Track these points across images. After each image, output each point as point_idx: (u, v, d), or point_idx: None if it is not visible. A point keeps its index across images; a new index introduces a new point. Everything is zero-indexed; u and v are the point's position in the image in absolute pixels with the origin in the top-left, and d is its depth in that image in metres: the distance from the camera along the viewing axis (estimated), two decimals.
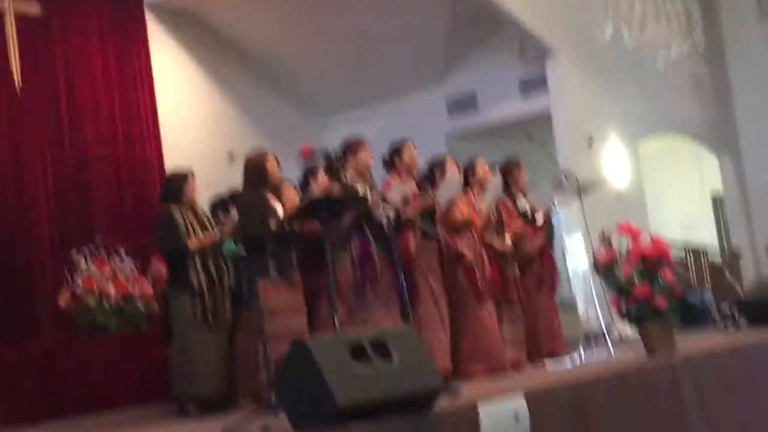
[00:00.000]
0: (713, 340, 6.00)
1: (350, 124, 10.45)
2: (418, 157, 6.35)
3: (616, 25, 12.30)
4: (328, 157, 5.84)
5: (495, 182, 6.90)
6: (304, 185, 6.44)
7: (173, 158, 8.96)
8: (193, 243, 6.12)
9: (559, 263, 7.37)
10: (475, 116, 11.36)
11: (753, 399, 5.15)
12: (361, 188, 5.71)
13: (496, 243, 6.72)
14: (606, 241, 5.62)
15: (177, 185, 6.30)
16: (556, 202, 6.80)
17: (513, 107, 11.02)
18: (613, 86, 11.60)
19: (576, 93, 10.74)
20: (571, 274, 7.31)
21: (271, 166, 5.83)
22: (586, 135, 10.80)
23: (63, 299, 7.56)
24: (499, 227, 6.89)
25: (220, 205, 7.16)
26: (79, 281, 7.59)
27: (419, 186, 6.29)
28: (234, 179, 6.24)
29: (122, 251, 8.01)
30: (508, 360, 6.42)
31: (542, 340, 7.01)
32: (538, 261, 7.12)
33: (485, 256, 6.52)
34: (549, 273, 7.19)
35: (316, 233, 5.24)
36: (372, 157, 5.98)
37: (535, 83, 10.81)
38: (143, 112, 9.20)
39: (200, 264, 6.13)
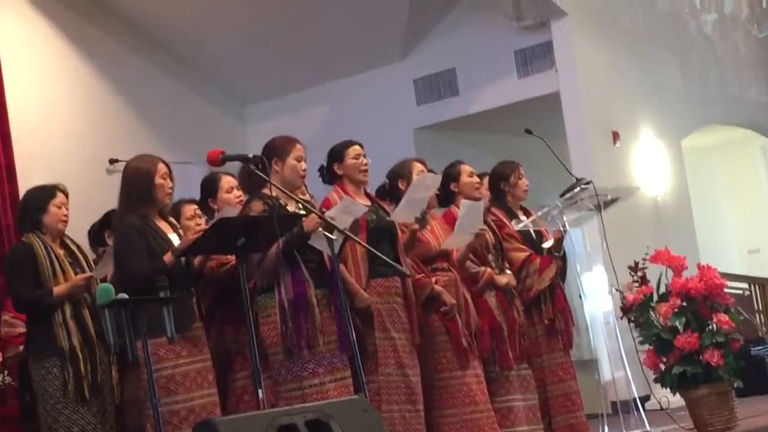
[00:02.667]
0: None
1: (280, 114, 10.43)
2: (370, 161, 6.31)
3: None
4: (247, 162, 5.75)
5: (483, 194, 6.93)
6: (203, 202, 6.41)
7: (30, 169, 8.84)
8: (60, 288, 6.00)
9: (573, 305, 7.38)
10: (454, 103, 11.38)
11: None
12: (292, 206, 5.63)
13: (496, 277, 6.74)
14: (637, 273, 5.62)
15: (39, 206, 6.18)
16: (566, 221, 6.80)
17: (506, 90, 11.03)
18: (643, 59, 11.64)
19: (592, 69, 10.77)
20: (589, 321, 7.29)
21: (161, 178, 5.71)
22: (608, 126, 10.82)
23: None
24: (497, 255, 6.88)
25: (96, 234, 7.08)
26: None
27: (375, 203, 6.26)
28: (116, 196, 6.16)
29: None
30: None
31: (555, 410, 7.04)
32: (548, 302, 7.13)
33: (469, 300, 6.50)
34: (562, 318, 7.18)
35: (228, 270, 5.07)
36: (306, 161, 5.89)
37: (537, 56, 10.86)
38: None
39: (72, 316, 6.01)
